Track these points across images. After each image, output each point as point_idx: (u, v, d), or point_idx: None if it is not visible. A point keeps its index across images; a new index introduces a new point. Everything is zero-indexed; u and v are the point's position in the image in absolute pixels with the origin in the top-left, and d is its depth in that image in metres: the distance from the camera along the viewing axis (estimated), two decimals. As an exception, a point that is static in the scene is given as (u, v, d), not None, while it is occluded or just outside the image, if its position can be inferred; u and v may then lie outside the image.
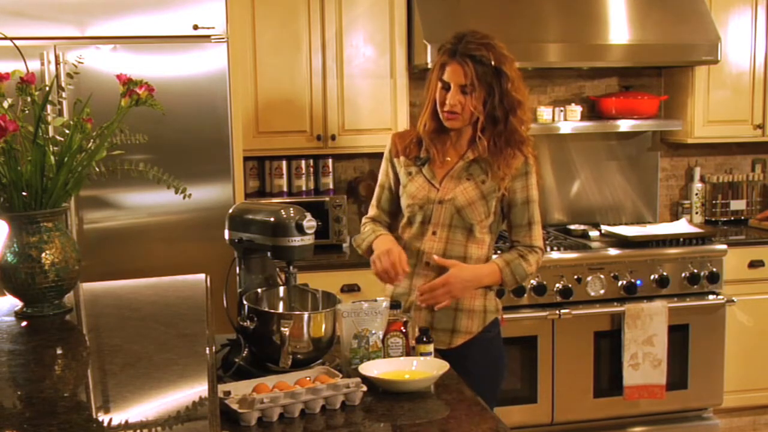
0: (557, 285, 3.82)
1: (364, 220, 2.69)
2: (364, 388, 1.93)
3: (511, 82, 2.41)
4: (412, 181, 2.54)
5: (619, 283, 3.87)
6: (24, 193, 1.75)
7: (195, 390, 1.29)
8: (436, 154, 2.52)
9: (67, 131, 1.81)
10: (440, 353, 2.39)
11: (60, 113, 3.07)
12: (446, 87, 2.44)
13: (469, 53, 2.39)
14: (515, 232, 2.54)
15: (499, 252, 2.71)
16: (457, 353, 2.47)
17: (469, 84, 2.39)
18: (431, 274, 2.48)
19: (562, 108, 4.27)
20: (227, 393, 1.86)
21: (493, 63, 2.39)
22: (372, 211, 2.67)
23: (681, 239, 4.02)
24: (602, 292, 3.87)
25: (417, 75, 4.08)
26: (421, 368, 2.07)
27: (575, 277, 3.84)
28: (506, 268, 2.48)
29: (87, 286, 2.07)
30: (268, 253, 2.19)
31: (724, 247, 4.00)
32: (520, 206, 2.51)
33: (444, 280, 2.43)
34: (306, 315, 2.10)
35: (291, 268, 2.21)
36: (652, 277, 3.91)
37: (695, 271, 3.93)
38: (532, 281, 3.77)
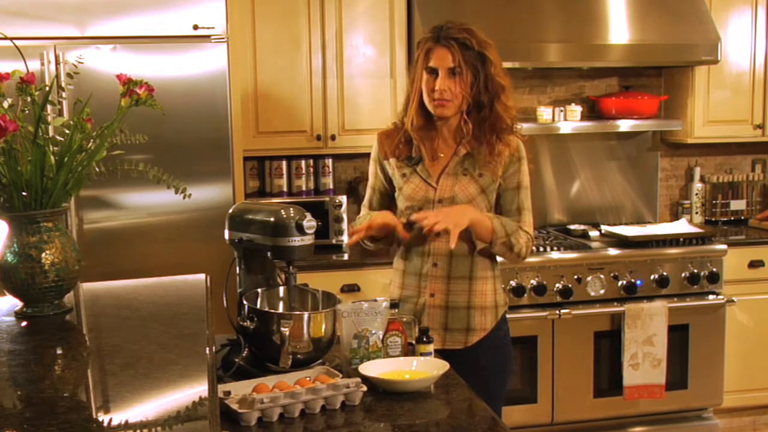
0: (557, 285, 3.82)
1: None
2: (364, 388, 1.93)
3: (495, 66, 2.41)
4: (407, 182, 2.52)
5: (619, 283, 3.87)
6: (24, 193, 1.75)
7: (195, 390, 1.29)
8: (426, 152, 2.51)
9: (67, 131, 1.81)
10: (455, 353, 2.42)
11: (60, 113, 3.07)
12: (433, 73, 2.42)
13: (453, 36, 2.39)
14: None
15: None
16: (472, 351, 2.49)
17: (457, 66, 2.38)
18: (439, 274, 2.48)
19: (562, 108, 4.27)
20: (227, 393, 1.86)
21: (476, 47, 2.39)
22: (364, 211, 2.65)
23: (681, 239, 4.02)
24: (602, 292, 3.87)
25: (417, 75, 4.08)
26: (421, 368, 2.07)
27: (575, 277, 3.84)
28: (496, 219, 2.43)
29: (87, 286, 2.07)
30: (268, 253, 2.19)
31: (724, 247, 4.00)
32: (510, 191, 2.50)
33: (436, 211, 2.40)
34: (306, 315, 2.10)
35: (291, 268, 2.21)
36: (652, 277, 3.91)
37: (695, 271, 3.93)
38: (532, 281, 3.77)
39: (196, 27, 3.42)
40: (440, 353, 2.32)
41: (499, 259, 2.56)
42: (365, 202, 2.66)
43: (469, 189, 2.46)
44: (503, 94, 2.44)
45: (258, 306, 2.17)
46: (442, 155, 2.51)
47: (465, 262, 2.48)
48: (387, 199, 2.61)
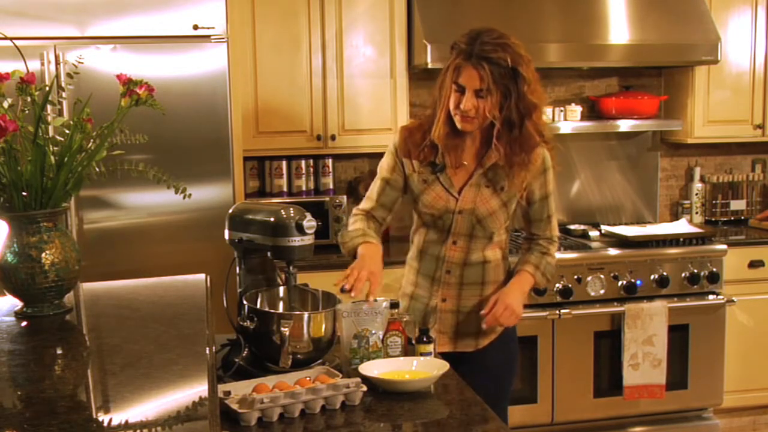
0: (557, 285, 3.81)
1: (355, 211, 2.54)
2: (364, 388, 1.93)
3: (528, 84, 2.31)
4: (428, 189, 2.46)
5: (619, 283, 3.87)
6: (24, 193, 1.75)
7: (195, 390, 1.29)
8: (450, 160, 2.44)
9: (67, 131, 1.81)
10: (465, 354, 2.46)
11: (60, 113, 3.07)
12: (461, 90, 2.34)
13: (485, 55, 2.28)
14: (535, 227, 2.57)
15: (518, 244, 2.72)
16: (481, 354, 2.51)
17: (485, 89, 2.30)
18: (452, 281, 2.49)
19: (562, 108, 4.27)
20: (227, 393, 1.86)
21: (509, 64, 2.28)
22: (368, 203, 2.53)
23: (681, 239, 4.02)
24: (602, 292, 3.87)
25: (417, 75, 4.09)
26: (421, 368, 2.07)
27: (575, 277, 3.84)
28: (537, 273, 2.54)
29: (87, 286, 2.07)
30: (268, 253, 2.19)
31: (724, 247, 4.00)
32: (539, 203, 2.53)
33: (497, 307, 2.45)
34: (306, 315, 2.10)
35: (291, 268, 2.21)
36: (652, 277, 3.91)
37: (695, 271, 3.93)
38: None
39: (196, 27, 3.42)
40: (450, 356, 2.35)
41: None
42: (372, 194, 2.53)
43: (491, 203, 2.43)
44: (535, 112, 2.36)
45: (258, 306, 2.17)
46: (465, 163, 2.45)
47: (477, 270, 2.48)
48: (398, 195, 2.52)
